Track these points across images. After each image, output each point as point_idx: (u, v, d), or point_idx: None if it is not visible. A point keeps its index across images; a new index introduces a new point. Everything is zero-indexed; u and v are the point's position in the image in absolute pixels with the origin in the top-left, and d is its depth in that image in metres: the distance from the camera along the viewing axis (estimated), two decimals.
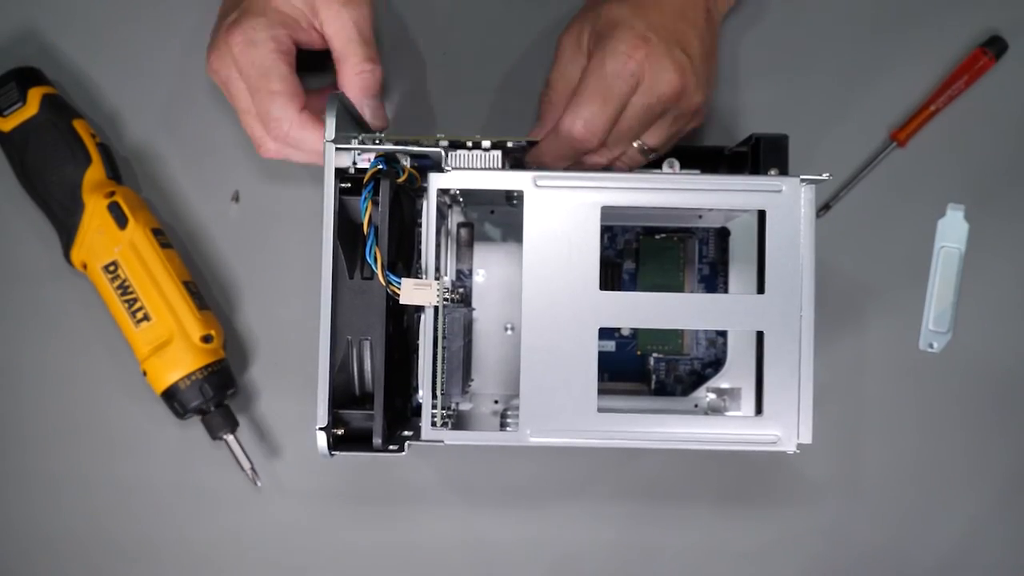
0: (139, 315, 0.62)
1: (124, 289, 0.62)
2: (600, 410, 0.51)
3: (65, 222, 0.63)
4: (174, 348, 0.62)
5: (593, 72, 0.55)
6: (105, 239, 0.62)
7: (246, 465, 0.64)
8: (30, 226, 0.67)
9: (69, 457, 0.67)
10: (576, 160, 0.57)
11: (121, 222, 0.62)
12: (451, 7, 0.69)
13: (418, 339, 0.52)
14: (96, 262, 0.62)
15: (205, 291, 0.66)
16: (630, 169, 0.60)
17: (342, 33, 0.58)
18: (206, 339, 0.62)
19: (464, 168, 0.53)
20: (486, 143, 0.54)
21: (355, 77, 0.59)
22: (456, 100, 0.68)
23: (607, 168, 0.59)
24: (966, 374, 0.67)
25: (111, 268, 0.62)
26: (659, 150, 0.60)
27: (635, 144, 0.59)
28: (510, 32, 0.68)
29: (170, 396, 0.62)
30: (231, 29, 0.58)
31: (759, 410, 0.52)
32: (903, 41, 0.68)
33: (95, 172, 0.63)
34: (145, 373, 0.63)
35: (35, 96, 0.63)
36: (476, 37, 0.69)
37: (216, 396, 0.62)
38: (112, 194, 0.62)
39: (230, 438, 0.63)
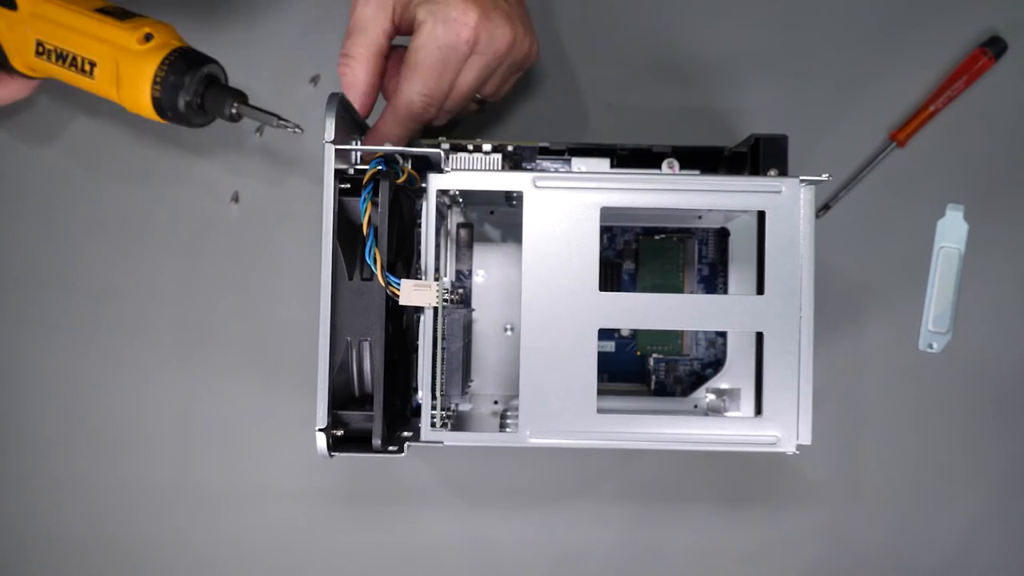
0: (86, 67, 0.57)
1: (62, 56, 0.57)
2: (600, 411, 0.51)
3: None
4: (125, 68, 0.56)
5: (426, 43, 0.55)
6: (17, 31, 0.58)
7: (273, 122, 0.55)
8: (30, 226, 0.67)
9: (69, 457, 0.67)
10: (417, 128, 0.58)
11: (11, 6, 0.57)
12: None
13: (418, 340, 0.52)
14: (30, 56, 0.58)
15: (205, 289, 0.66)
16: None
17: None
18: (146, 38, 0.56)
19: (464, 169, 0.53)
20: (487, 146, 0.54)
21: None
22: None
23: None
24: (966, 374, 0.67)
25: (41, 50, 0.58)
26: (495, 97, 0.61)
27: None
28: None
29: (162, 111, 0.56)
30: None
31: (759, 411, 0.52)
32: (903, 41, 0.68)
33: None
34: (140, 114, 0.57)
35: None
36: None
37: (192, 78, 0.55)
38: None
39: (243, 108, 0.56)
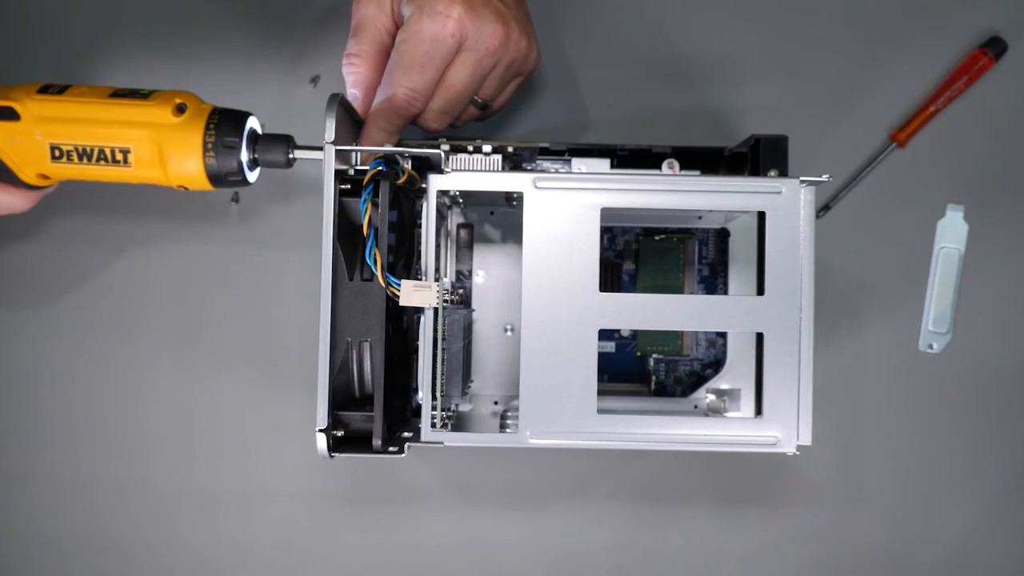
0: (119, 156, 0.53)
1: (86, 154, 0.54)
2: (600, 411, 0.51)
3: None
4: (169, 145, 0.53)
5: (411, 37, 0.54)
6: (23, 142, 0.54)
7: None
8: (29, 227, 0.67)
9: (67, 458, 0.67)
10: (405, 126, 0.57)
11: (13, 116, 0.53)
12: None
13: (418, 340, 0.52)
14: (44, 163, 0.54)
15: (205, 289, 0.66)
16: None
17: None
18: (180, 109, 0.53)
19: (464, 170, 0.53)
20: (487, 147, 0.54)
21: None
22: None
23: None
24: (966, 374, 0.67)
25: (58, 154, 0.54)
26: (494, 102, 0.60)
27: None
28: None
29: (218, 180, 0.54)
30: None
31: (759, 411, 0.52)
32: (903, 41, 0.68)
33: None
34: (185, 188, 0.55)
35: None
36: None
37: (242, 137, 0.53)
38: None
39: (298, 151, 0.54)
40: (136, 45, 0.69)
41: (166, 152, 0.53)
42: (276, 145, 0.54)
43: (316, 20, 0.69)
